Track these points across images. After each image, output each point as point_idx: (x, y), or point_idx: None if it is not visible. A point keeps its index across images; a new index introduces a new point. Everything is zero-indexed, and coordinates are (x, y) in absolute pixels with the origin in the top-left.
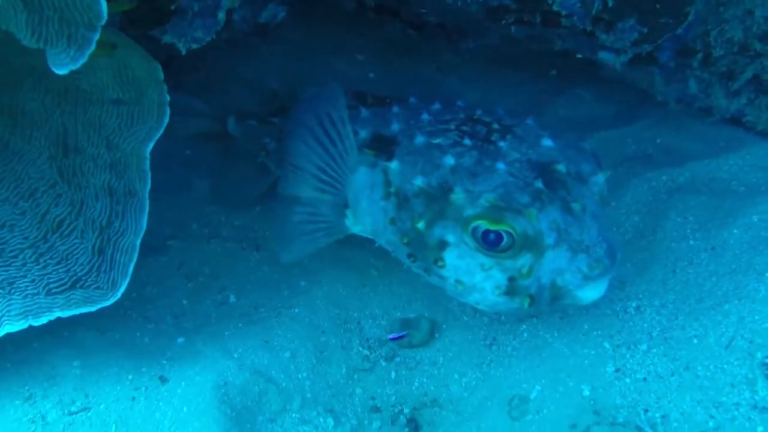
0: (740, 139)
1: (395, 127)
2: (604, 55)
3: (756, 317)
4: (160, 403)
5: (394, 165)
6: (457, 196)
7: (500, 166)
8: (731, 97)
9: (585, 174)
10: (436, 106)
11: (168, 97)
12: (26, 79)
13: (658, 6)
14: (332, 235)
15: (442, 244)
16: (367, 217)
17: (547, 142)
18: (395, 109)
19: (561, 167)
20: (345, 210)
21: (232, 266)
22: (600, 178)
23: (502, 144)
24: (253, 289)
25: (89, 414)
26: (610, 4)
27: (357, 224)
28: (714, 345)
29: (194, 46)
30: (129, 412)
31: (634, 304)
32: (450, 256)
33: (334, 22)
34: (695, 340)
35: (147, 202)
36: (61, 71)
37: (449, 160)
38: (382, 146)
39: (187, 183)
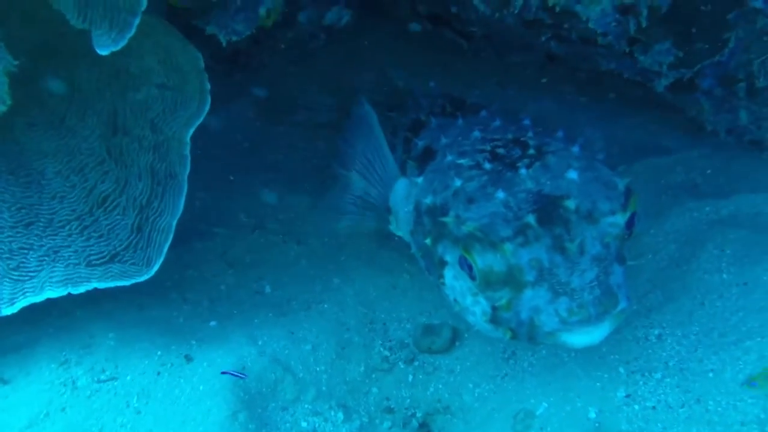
0: None
1: (443, 141)
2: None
3: None
4: (181, 380)
5: (419, 180)
6: (449, 219)
7: (500, 195)
8: None
9: (598, 213)
10: (497, 122)
11: (209, 86)
12: (83, 59)
13: (693, 30)
14: (380, 222)
15: (443, 263)
16: (402, 223)
17: (571, 174)
18: (459, 122)
19: (570, 203)
20: (388, 215)
21: (272, 258)
22: (618, 219)
23: (522, 171)
24: (289, 282)
25: (116, 383)
26: (644, 24)
27: (398, 228)
28: (730, 381)
29: (234, 38)
30: (152, 386)
31: (656, 332)
32: (448, 275)
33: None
34: (711, 374)
35: (185, 185)
36: (102, 52)
37: (456, 183)
38: (426, 160)
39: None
